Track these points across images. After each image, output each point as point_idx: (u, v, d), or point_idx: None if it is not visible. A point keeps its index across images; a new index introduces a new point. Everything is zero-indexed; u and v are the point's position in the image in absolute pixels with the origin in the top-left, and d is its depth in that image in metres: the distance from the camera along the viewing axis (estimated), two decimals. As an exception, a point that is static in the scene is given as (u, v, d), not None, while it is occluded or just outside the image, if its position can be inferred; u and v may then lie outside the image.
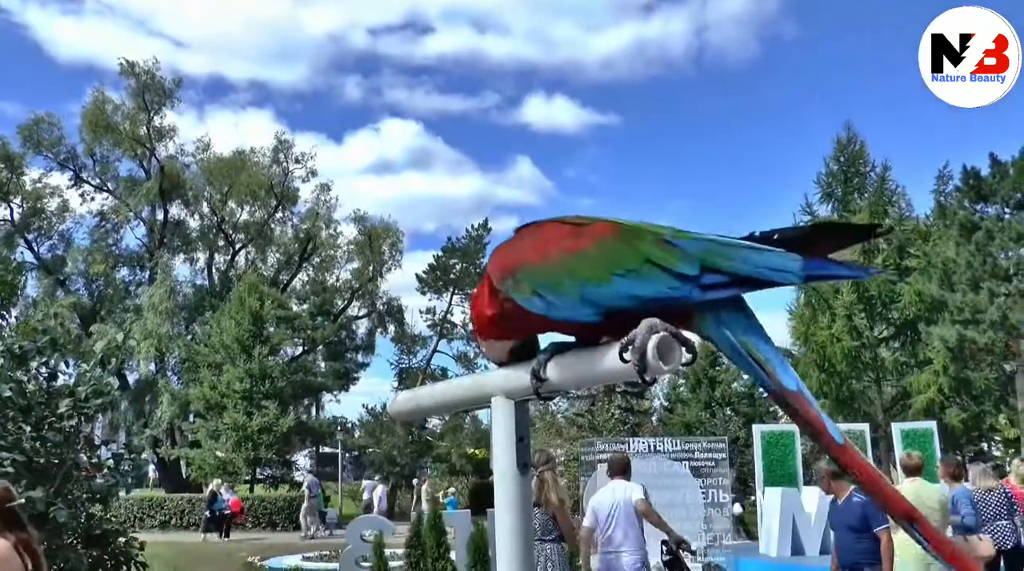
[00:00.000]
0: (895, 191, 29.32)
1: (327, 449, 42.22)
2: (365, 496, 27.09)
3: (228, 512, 25.52)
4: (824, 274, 1.49)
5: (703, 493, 15.57)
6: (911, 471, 7.95)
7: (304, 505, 25.76)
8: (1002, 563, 8.96)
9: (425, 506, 24.02)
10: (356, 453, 41.72)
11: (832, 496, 7.53)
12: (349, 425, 40.68)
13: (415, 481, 30.56)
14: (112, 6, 60.89)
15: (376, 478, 30.77)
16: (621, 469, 7.92)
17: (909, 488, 7.79)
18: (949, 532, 8.14)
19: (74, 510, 6.40)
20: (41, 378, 6.91)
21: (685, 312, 1.50)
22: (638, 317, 1.45)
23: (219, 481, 27.06)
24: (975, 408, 25.66)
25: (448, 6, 64.71)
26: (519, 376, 1.61)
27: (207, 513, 25.51)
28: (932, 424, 19.66)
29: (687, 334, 1.44)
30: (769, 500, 15.75)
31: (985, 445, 30.03)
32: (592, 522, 7.56)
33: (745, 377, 33.25)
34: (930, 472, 16.26)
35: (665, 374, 1.38)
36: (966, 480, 9.47)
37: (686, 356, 1.39)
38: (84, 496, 6.82)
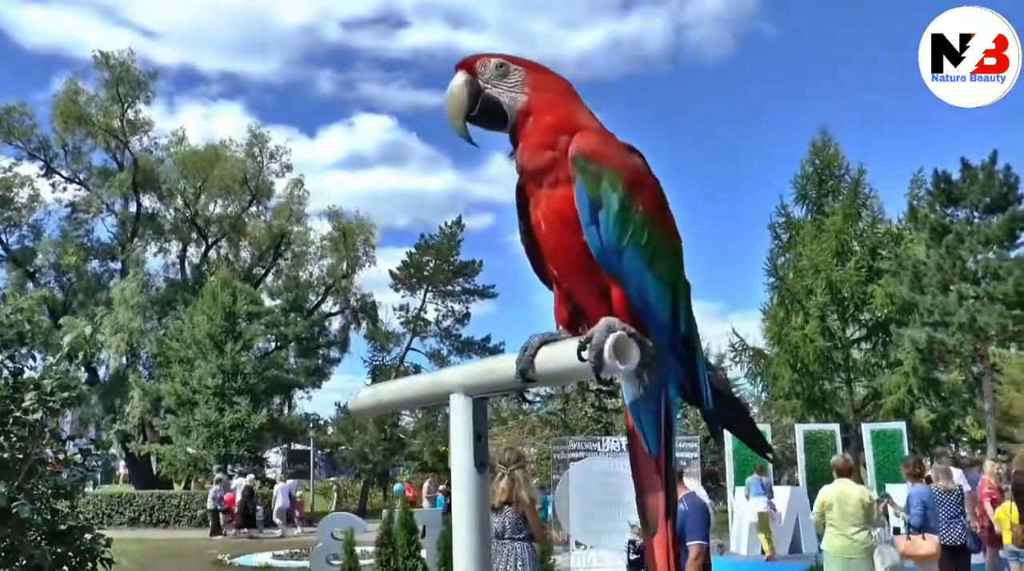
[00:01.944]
0: (869, 194, 29.57)
1: (299, 446, 42.03)
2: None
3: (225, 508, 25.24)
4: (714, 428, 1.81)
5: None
6: (839, 473, 8.84)
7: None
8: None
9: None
10: (328, 450, 41.58)
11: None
12: (321, 422, 40.56)
13: (427, 483, 29.57)
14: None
15: (279, 475, 29.75)
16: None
17: (833, 488, 8.72)
18: (878, 531, 8.76)
19: (38, 506, 6.31)
20: (7, 372, 6.81)
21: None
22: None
23: (252, 476, 26.76)
24: (944, 409, 25.93)
25: (423, 0, 64.40)
26: (478, 374, 1.60)
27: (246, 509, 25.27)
28: (901, 425, 19.89)
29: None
30: (740, 499, 15.86)
31: (953, 446, 30.37)
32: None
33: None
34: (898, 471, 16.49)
35: (621, 373, 1.38)
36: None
37: (642, 357, 1.40)
38: (49, 492, 6.73)
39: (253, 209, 41.09)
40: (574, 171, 1.55)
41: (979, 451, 29.01)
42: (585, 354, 1.38)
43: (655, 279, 1.57)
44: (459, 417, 1.60)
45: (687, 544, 6.18)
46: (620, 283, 1.55)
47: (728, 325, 53.35)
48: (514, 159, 1.68)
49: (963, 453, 31.06)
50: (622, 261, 1.54)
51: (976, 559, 10.31)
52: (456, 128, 1.70)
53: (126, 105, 38.01)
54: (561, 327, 1.69)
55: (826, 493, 8.79)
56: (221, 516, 25.00)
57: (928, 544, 8.92)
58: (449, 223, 40.14)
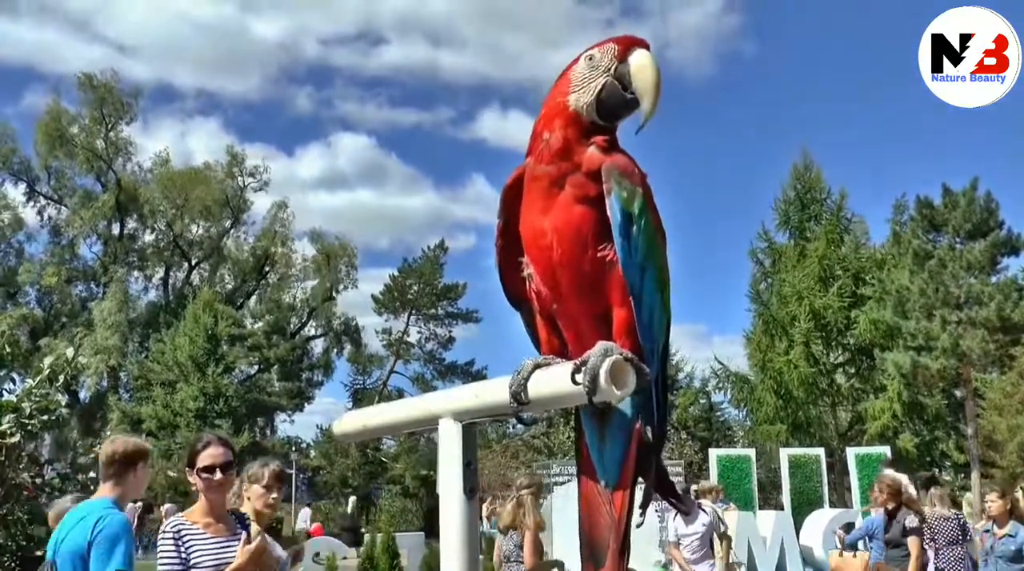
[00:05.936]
0: (851, 219, 29.68)
1: (281, 469, 41.60)
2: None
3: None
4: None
5: (658, 516, 15.52)
6: (704, 495, 11.18)
7: None
8: None
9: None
10: (310, 474, 41.24)
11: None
12: (303, 445, 40.22)
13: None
14: (50, 8, 59.30)
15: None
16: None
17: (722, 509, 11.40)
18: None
19: (13, 531, 6.20)
20: (-16, 395, 6.71)
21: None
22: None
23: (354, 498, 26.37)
24: (928, 434, 25.98)
25: (402, 18, 63.98)
26: (468, 399, 1.55)
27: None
28: (886, 449, 19.88)
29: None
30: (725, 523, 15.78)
31: (936, 470, 30.36)
32: None
33: (702, 401, 33.33)
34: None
35: (616, 400, 1.33)
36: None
37: (639, 383, 1.35)
38: (26, 517, 6.60)
39: (234, 232, 40.96)
40: (609, 183, 1.56)
41: (962, 475, 29.04)
42: (579, 377, 1.33)
43: (663, 306, 1.58)
44: (449, 443, 1.56)
45: None
46: (635, 300, 1.52)
47: (710, 348, 53.50)
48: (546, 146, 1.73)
49: (947, 477, 31.10)
50: (644, 277, 1.52)
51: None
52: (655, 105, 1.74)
53: (109, 127, 37.86)
54: (552, 355, 1.63)
55: None
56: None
57: (856, 562, 9.97)
58: (432, 246, 40.04)
